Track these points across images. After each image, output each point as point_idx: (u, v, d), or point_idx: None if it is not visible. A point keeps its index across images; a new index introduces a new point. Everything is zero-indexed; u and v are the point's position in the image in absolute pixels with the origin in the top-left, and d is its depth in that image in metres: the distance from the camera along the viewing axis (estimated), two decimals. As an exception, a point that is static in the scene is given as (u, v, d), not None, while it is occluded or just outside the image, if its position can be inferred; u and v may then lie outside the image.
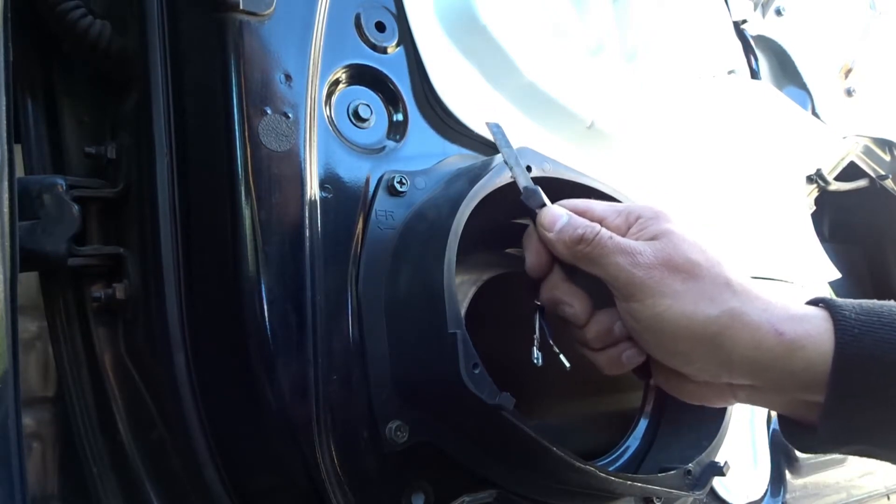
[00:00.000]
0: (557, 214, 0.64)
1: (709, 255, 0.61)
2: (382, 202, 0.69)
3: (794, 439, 0.64)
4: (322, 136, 0.68)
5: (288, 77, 0.65)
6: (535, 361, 0.65)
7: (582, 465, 0.66)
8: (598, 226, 0.63)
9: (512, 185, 0.68)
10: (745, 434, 1.07)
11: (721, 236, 1.07)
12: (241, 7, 0.63)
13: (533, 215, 0.66)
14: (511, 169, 0.67)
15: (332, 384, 0.63)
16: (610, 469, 0.80)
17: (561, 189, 0.71)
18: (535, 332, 0.67)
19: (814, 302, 0.61)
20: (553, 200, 0.67)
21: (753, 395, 0.63)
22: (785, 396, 0.61)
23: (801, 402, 0.60)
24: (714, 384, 0.63)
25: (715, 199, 1.09)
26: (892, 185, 1.52)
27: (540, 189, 0.67)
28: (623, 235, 0.63)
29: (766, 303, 0.59)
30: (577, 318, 0.65)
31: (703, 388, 0.64)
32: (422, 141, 0.76)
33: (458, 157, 0.78)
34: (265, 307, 0.61)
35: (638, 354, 0.65)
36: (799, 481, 1.15)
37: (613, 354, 0.65)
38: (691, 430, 0.82)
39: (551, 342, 0.67)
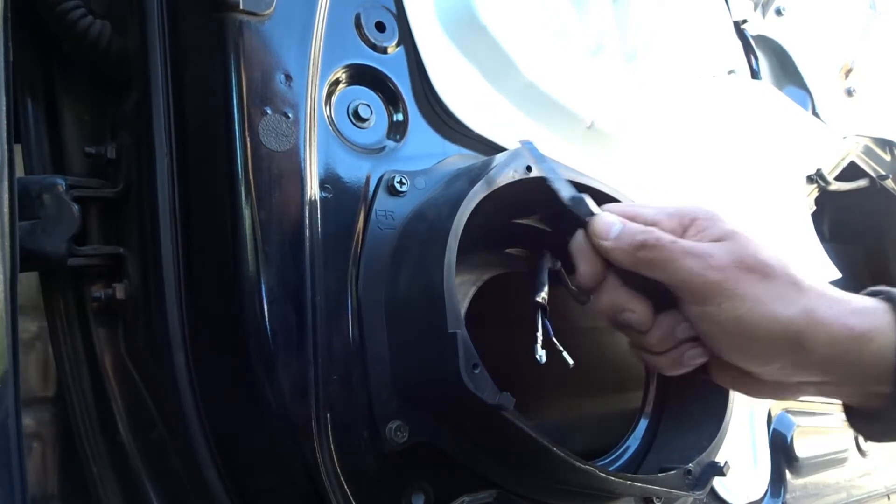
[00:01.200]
0: (610, 222, 0.63)
1: (776, 255, 0.61)
2: (382, 202, 0.69)
3: (862, 428, 0.65)
4: (322, 136, 0.67)
5: (288, 77, 0.65)
6: (539, 359, 0.65)
7: (582, 465, 0.66)
8: (655, 230, 0.61)
9: (511, 186, 0.68)
10: (745, 434, 1.07)
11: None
12: (241, 7, 0.63)
13: (582, 224, 0.65)
14: (552, 183, 0.67)
15: (332, 384, 0.63)
16: (610, 469, 0.80)
17: None
18: (537, 331, 0.67)
19: (871, 293, 0.62)
20: (555, 203, 0.66)
21: (823, 389, 0.63)
22: (854, 388, 0.61)
23: (870, 392, 0.60)
24: (785, 382, 0.63)
25: (715, 199, 1.09)
26: (893, 184, 1.52)
27: (587, 196, 0.66)
28: (681, 238, 0.61)
29: (831, 299, 0.59)
30: (641, 324, 0.64)
31: (772, 386, 0.64)
32: (422, 141, 0.76)
33: (458, 157, 0.78)
34: (265, 307, 0.61)
35: (701, 354, 0.64)
36: (799, 481, 1.15)
37: (675, 356, 0.65)
38: (692, 430, 0.82)
39: (554, 339, 0.67)
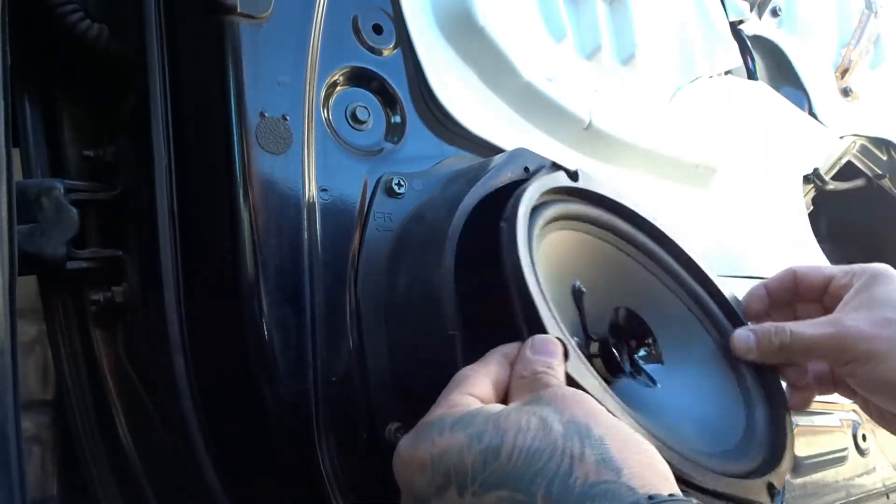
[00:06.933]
0: (745, 337, 0.68)
1: None
2: (380, 204, 0.69)
3: None
4: (320, 139, 0.68)
5: (286, 79, 0.65)
6: None
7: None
8: (788, 328, 0.65)
9: (511, 186, 0.67)
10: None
11: (718, 236, 1.07)
12: (239, 10, 0.63)
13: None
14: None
15: (332, 386, 0.63)
16: None
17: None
18: None
19: None
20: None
21: None
22: None
23: None
24: None
25: (712, 199, 1.09)
26: (890, 184, 1.53)
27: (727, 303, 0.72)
28: (841, 297, 0.66)
29: None
30: (797, 381, 0.70)
31: None
32: (420, 143, 0.76)
33: (457, 159, 0.78)
34: (264, 309, 0.61)
35: (851, 394, 0.70)
36: (799, 480, 1.15)
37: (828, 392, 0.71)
38: None
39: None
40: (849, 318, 0.64)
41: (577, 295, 0.65)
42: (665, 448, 0.54)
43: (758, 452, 0.64)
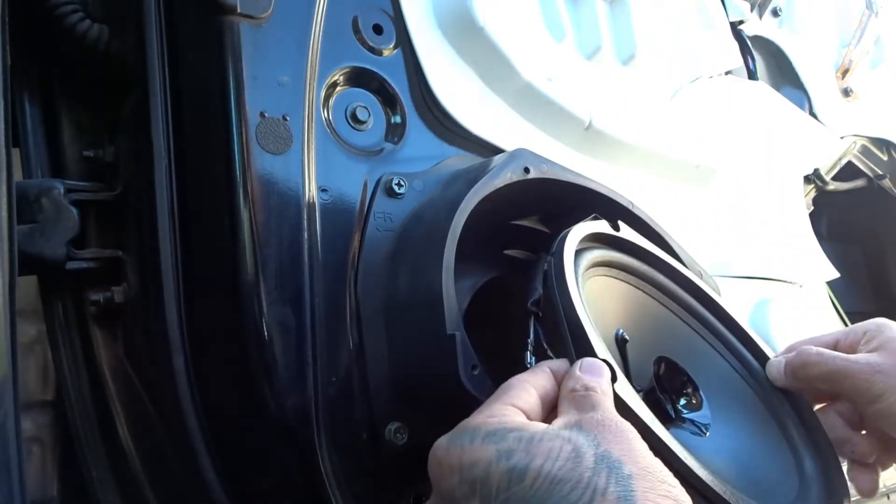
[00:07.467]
0: (777, 362, 0.72)
1: None
2: (381, 204, 0.69)
3: None
4: (320, 139, 0.68)
5: (286, 80, 0.65)
6: (528, 366, 0.65)
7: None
8: (814, 348, 0.69)
9: (510, 187, 0.67)
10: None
11: (719, 236, 1.07)
12: (239, 10, 0.63)
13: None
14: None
15: (332, 386, 0.63)
16: None
17: (562, 190, 0.71)
18: (528, 337, 0.67)
19: None
20: (553, 203, 0.67)
21: None
22: None
23: None
24: None
25: (712, 199, 1.09)
26: (890, 184, 1.53)
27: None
28: (854, 350, 0.69)
29: None
30: (864, 457, 0.72)
31: None
32: (420, 143, 0.76)
33: (456, 159, 0.78)
34: (264, 310, 0.61)
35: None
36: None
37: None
38: None
39: (545, 346, 0.67)
40: (873, 356, 0.67)
41: (620, 343, 0.66)
42: (718, 482, 0.54)
43: None
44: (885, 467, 0.72)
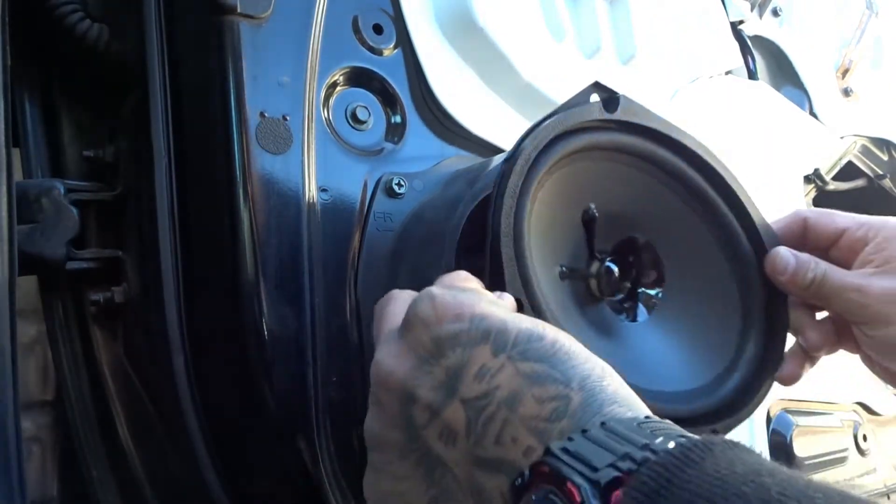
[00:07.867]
0: (786, 258, 0.67)
1: None
2: (381, 204, 0.69)
3: None
4: (320, 139, 0.68)
5: (286, 80, 0.65)
6: None
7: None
8: (823, 266, 0.65)
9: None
10: (745, 434, 1.08)
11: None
12: (239, 10, 0.63)
13: (763, 253, 0.68)
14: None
15: (332, 386, 0.63)
16: None
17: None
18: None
19: None
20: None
21: None
22: None
23: None
24: None
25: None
26: (891, 184, 1.53)
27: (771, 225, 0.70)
28: (860, 251, 0.65)
29: None
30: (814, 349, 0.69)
31: None
32: (420, 143, 0.76)
33: (457, 159, 0.78)
34: (264, 310, 0.61)
35: (855, 349, 0.69)
36: (799, 481, 1.14)
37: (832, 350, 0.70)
38: None
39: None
40: (876, 277, 0.63)
41: (587, 218, 0.65)
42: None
43: (719, 398, 0.63)
44: (812, 364, 0.69)
